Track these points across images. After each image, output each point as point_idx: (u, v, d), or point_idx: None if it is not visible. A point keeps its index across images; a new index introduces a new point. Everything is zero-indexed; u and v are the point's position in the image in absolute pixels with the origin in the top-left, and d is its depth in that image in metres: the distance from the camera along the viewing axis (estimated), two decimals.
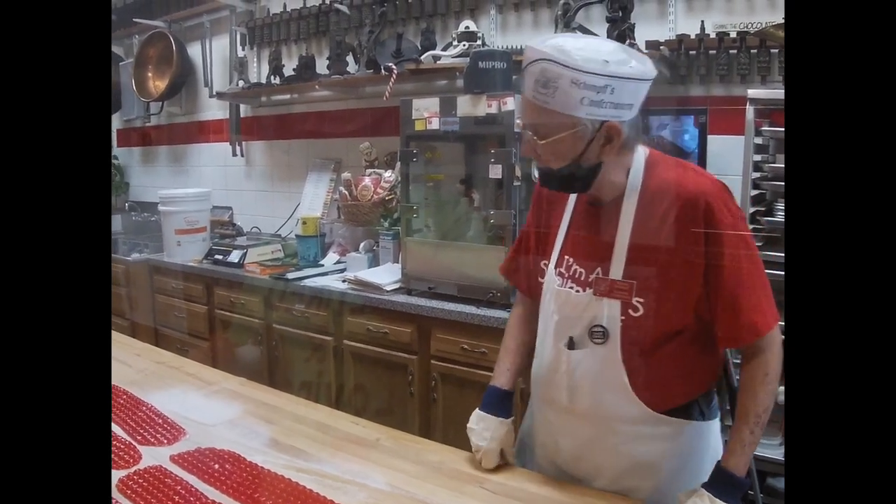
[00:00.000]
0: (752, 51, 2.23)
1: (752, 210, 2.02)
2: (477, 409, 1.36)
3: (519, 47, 2.61)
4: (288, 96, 3.61)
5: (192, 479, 1.22)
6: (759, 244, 2.00)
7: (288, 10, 3.47)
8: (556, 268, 1.29)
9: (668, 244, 1.16)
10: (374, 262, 2.88)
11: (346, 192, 2.97)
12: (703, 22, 2.32)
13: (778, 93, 1.96)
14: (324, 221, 3.23)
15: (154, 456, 1.31)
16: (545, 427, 1.35)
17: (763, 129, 2.01)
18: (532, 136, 1.17)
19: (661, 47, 2.33)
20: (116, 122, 4.75)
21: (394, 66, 2.82)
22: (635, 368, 1.19)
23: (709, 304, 1.17)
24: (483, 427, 1.32)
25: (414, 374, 2.46)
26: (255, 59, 3.73)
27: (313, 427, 1.48)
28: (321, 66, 3.28)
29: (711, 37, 2.28)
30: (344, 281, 2.73)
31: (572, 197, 1.31)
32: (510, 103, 2.18)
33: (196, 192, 3.52)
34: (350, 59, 3.16)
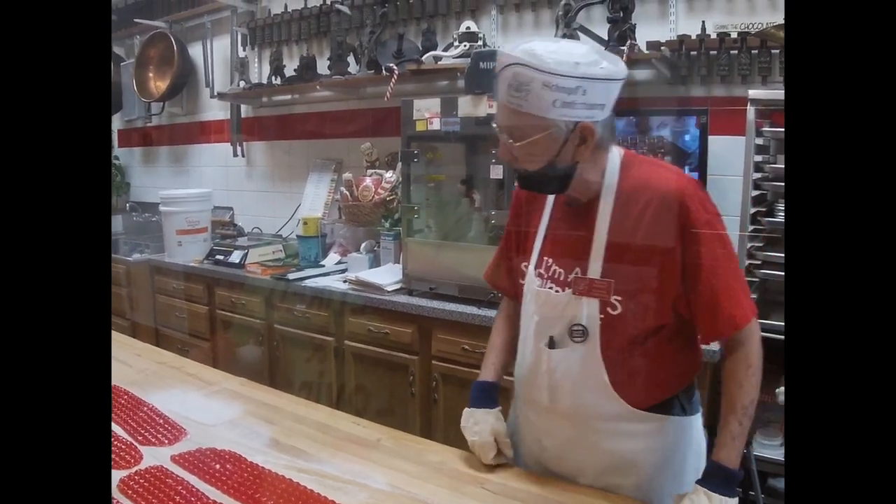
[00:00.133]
0: (752, 51, 2.23)
1: (752, 210, 2.02)
2: (466, 408, 1.37)
3: None
4: (289, 97, 3.61)
5: (192, 480, 1.22)
6: (760, 245, 2.01)
7: (289, 10, 3.47)
8: (535, 269, 1.30)
9: (644, 242, 1.18)
10: (375, 262, 2.89)
11: (347, 193, 2.98)
12: (703, 22, 2.32)
13: (779, 93, 1.96)
14: (325, 222, 3.23)
15: (155, 456, 1.31)
16: (528, 427, 1.36)
17: (764, 129, 2.01)
18: (508, 139, 1.18)
19: (662, 48, 2.33)
20: (117, 122, 4.74)
21: (395, 67, 2.82)
22: (615, 366, 1.21)
23: (687, 300, 1.18)
24: (473, 422, 1.33)
25: (415, 374, 2.46)
26: (256, 60, 3.73)
27: (314, 427, 1.48)
28: (322, 66, 3.29)
29: (712, 37, 2.28)
30: (345, 281, 2.73)
31: (550, 198, 1.32)
32: None
33: (197, 193, 3.53)
34: (351, 59, 3.16)
